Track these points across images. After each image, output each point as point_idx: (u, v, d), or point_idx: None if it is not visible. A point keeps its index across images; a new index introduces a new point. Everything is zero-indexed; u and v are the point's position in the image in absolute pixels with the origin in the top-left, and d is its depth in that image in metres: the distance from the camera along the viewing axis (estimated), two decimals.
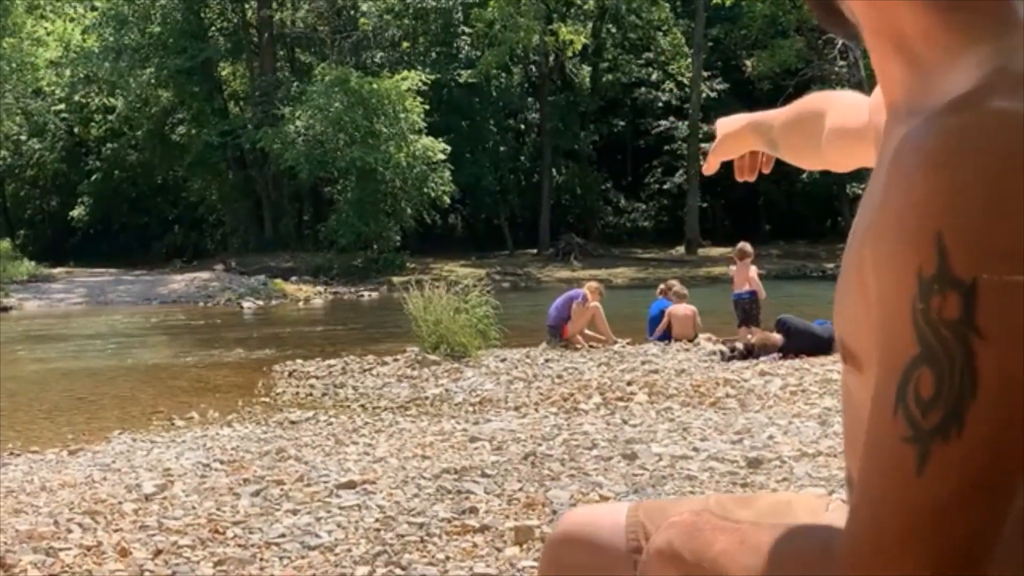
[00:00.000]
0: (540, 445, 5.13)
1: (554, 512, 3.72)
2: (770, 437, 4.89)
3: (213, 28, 31.25)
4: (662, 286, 11.38)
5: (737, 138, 1.45)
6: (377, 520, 3.73)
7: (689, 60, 31.19)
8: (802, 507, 1.16)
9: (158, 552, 3.46)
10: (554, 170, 32.40)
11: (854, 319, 0.78)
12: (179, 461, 5.28)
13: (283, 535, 3.61)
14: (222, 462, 5.14)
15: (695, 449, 4.70)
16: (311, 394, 8.14)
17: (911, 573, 0.65)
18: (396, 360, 9.26)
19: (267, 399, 8.04)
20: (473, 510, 3.80)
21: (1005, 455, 0.65)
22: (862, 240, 0.75)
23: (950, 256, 0.65)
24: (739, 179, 1.53)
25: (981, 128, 0.67)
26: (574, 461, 4.62)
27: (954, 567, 0.65)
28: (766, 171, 1.51)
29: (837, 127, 1.25)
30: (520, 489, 4.10)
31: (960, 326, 0.65)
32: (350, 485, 4.27)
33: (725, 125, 1.47)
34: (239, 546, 3.55)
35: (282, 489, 4.34)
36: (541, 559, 1.25)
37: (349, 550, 3.42)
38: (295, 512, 3.93)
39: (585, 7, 31.68)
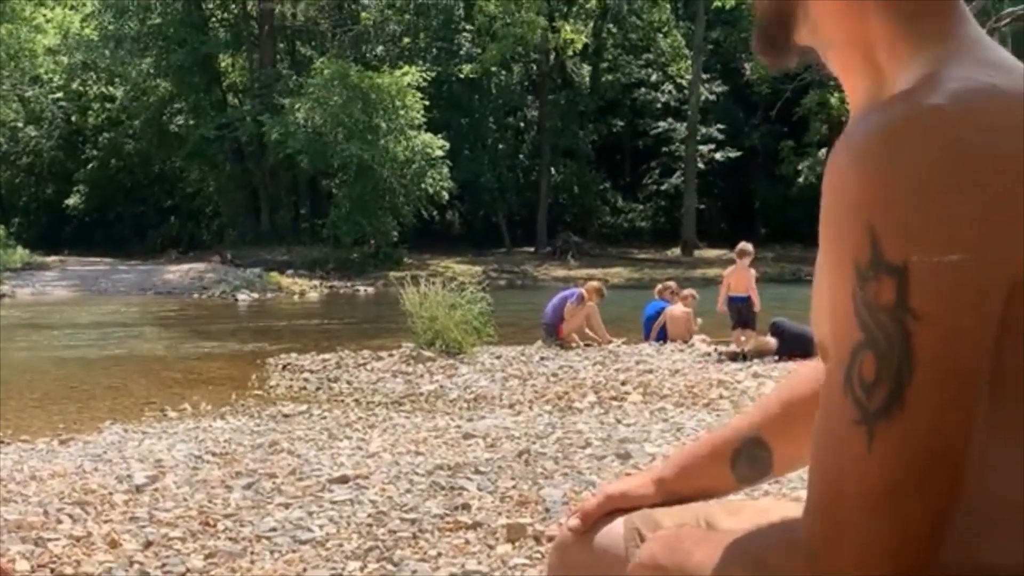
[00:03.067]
0: (534, 443, 5.11)
1: (547, 510, 3.70)
2: None
3: (213, 19, 31.18)
4: (659, 286, 11.38)
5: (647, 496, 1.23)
6: (369, 515, 3.71)
7: (689, 62, 31.19)
8: (784, 513, 1.16)
9: (148, 544, 3.44)
10: (552, 169, 32.38)
11: (823, 318, 0.80)
12: (171, 453, 5.25)
13: (274, 529, 3.59)
14: (214, 454, 5.12)
15: None
16: (305, 388, 8.12)
17: (872, 549, 0.67)
18: (391, 355, 9.24)
19: (260, 392, 8.02)
20: (466, 507, 3.79)
21: (951, 432, 0.67)
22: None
23: (881, 243, 0.68)
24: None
25: (905, 122, 0.71)
26: (568, 460, 4.60)
27: (913, 541, 0.68)
28: None
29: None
30: (513, 487, 4.08)
31: (895, 309, 0.68)
32: (343, 480, 4.25)
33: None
34: (230, 539, 3.53)
35: (274, 482, 4.31)
36: (548, 559, 1.24)
37: (341, 545, 3.40)
38: (287, 506, 3.90)
39: (587, 6, 31.67)
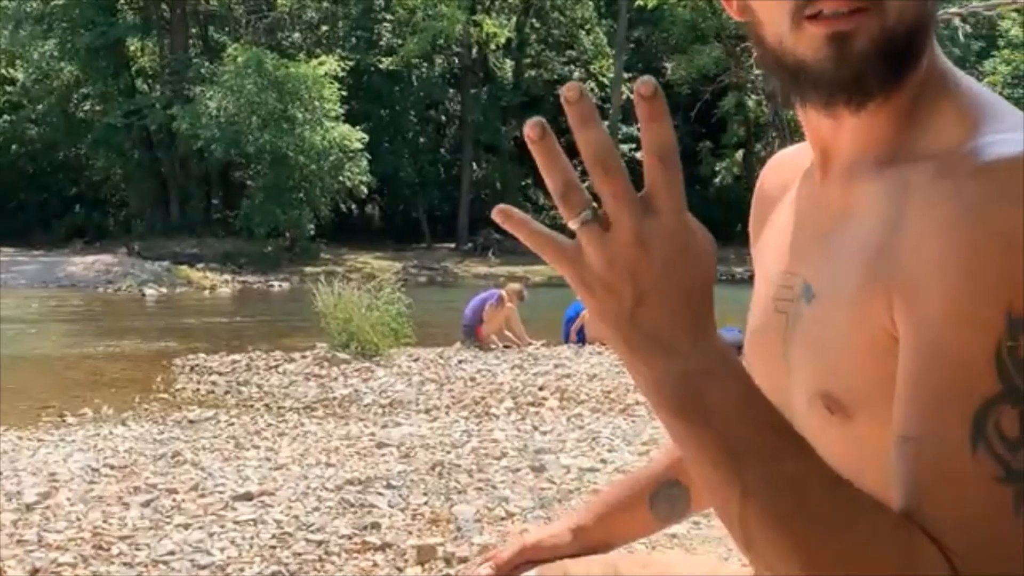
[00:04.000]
0: (449, 453, 5.01)
1: (459, 529, 3.60)
2: None
3: (122, 1, 30.18)
4: None
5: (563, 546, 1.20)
6: (274, 536, 3.56)
7: (611, 60, 31.39)
8: (695, 569, 1.18)
9: (35, 571, 3.23)
10: (474, 164, 32.25)
11: (848, 369, 0.77)
12: (67, 464, 4.99)
13: (172, 552, 3.41)
14: (113, 467, 4.88)
15: (603, 461, 4.65)
16: (213, 391, 7.86)
17: None
18: (304, 357, 9.02)
19: (166, 395, 7.73)
20: (375, 525, 3.66)
21: None
22: (876, 288, 0.73)
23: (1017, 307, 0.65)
24: None
25: None
26: (482, 472, 4.51)
27: None
28: None
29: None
30: (425, 503, 3.97)
31: None
32: (247, 497, 4.07)
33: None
34: (124, 564, 3.35)
35: (175, 499, 4.12)
36: None
37: (242, 570, 3.24)
38: (187, 526, 3.72)
39: (509, 1, 31.59)
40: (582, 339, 10.18)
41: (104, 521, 3.82)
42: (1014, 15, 28.29)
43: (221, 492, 4.18)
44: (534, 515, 3.78)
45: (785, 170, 1.00)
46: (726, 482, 0.65)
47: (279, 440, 5.62)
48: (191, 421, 6.44)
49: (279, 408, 7.05)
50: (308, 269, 22.77)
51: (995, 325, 0.65)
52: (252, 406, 7.19)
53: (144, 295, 18.92)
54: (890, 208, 0.74)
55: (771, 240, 0.95)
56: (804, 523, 0.65)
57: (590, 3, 31.48)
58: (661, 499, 1.16)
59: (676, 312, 0.63)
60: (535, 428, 5.78)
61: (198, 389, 7.97)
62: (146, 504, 4.04)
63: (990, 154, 0.68)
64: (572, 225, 0.65)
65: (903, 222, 0.72)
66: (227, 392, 7.80)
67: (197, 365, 8.99)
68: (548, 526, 1.23)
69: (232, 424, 6.26)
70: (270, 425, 6.18)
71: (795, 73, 0.77)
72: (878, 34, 0.74)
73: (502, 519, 3.72)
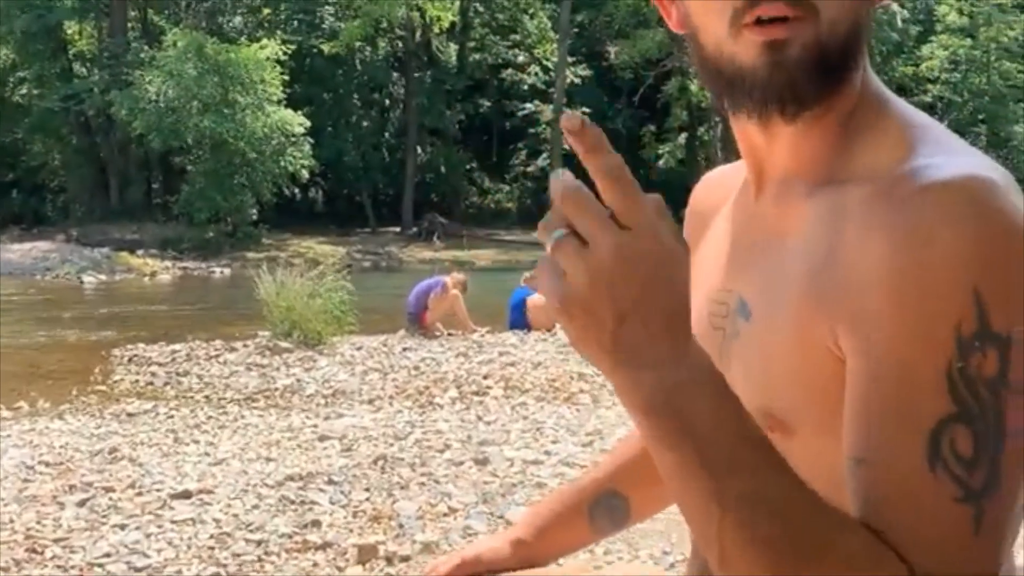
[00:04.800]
0: (392, 446, 4.99)
1: (400, 527, 3.60)
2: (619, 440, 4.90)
3: None
4: (526, 275, 11.33)
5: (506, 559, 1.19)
6: (212, 536, 3.52)
7: (555, 45, 31.37)
8: None
9: None
10: (419, 148, 32.06)
11: (788, 388, 0.77)
12: (0, 461, 4.89)
13: (108, 554, 3.36)
14: (48, 464, 4.79)
15: (547, 453, 4.67)
16: (152, 383, 7.73)
17: None
18: (246, 346, 8.91)
19: (104, 387, 7.60)
20: (316, 523, 3.64)
21: (1018, 497, 0.69)
22: (819, 311, 0.73)
23: (989, 311, 0.65)
24: None
25: (992, 184, 0.68)
26: (425, 466, 4.50)
27: None
28: None
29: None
30: (367, 499, 3.95)
31: (996, 383, 0.66)
32: (185, 495, 4.02)
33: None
34: (58, 567, 3.29)
35: (111, 498, 4.05)
36: None
37: (179, 572, 3.21)
38: (123, 527, 3.67)
39: None
40: (526, 324, 10.20)
41: (38, 522, 3.75)
42: (951, 1, 28.87)
43: (159, 490, 4.13)
44: (476, 510, 3.79)
45: (717, 189, 1.01)
46: (704, 498, 0.64)
47: (219, 433, 5.56)
48: (129, 414, 6.33)
49: (219, 399, 6.97)
50: (250, 255, 22.46)
51: (945, 345, 0.66)
52: (192, 398, 7.09)
53: (83, 282, 18.52)
54: (828, 231, 0.75)
55: (705, 257, 0.95)
56: (784, 543, 0.64)
57: None
58: (601, 510, 1.16)
59: (657, 327, 0.63)
60: (479, 418, 5.79)
61: (137, 380, 7.84)
62: (82, 503, 3.97)
63: (929, 176, 0.69)
64: (546, 241, 0.64)
65: (842, 246, 0.73)
66: (166, 383, 7.68)
67: (136, 355, 8.84)
68: (487, 539, 1.23)
69: (171, 417, 6.18)
70: (210, 418, 6.11)
71: (732, 81, 0.78)
72: (812, 43, 0.75)
73: (444, 515, 3.73)
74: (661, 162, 30.24)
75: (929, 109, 34.63)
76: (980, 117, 29.66)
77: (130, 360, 8.68)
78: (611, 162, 0.62)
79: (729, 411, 0.65)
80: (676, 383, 0.63)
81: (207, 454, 4.96)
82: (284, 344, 8.67)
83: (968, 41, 28.83)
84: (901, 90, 32.76)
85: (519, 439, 5.02)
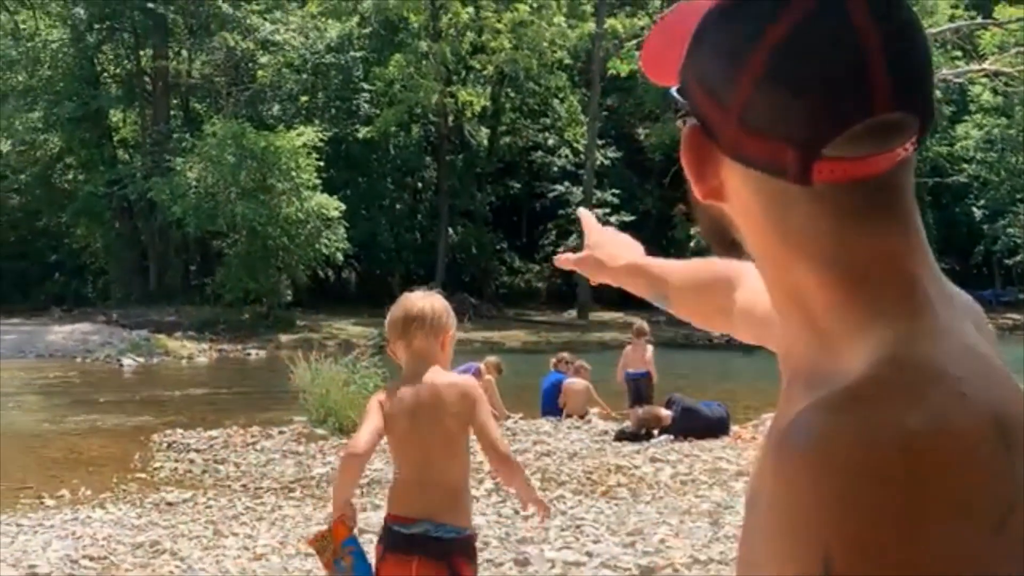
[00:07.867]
0: None
1: None
2: (662, 541, 4.89)
3: (105, 74, 30.46)
4: (555, 358, 11.42)
5: (612, 274, 1.41)
6: None
7: (584, 128, 31.89)
8: None
9: None
10: (450, 229, 32.49)
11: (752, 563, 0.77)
12: (46, 553, 4.97)
13: None
14: (92, 557, 4.87)
15: (588, 554, 4.66)
16: (190, 471, 7.82)
17: None
18: (282, 432, 9.00)
19: (143, 475, 7.69)
20: None
21: None
22: (751, 509, 0.74)
23: (835, 568, 0.64)
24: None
25: (865, 435, 0.65)
26: None
27: None
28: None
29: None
30: None
31: None
32: None
33: (600, 247, 1.43)
34: None
35: None
36: None
37: None
38: None
39: (484, 72, 32.13)
40: (559, 412, 10.21)
41: None
42: (984, 80, 29.09)
43: None
44: None
45: None
46: None
47: (257, 525, 5.61)
48: (169, 503, 6.41)
49: (256, 489, 7.02)
50: (284, 337, 22.73)
51: None
52: (230, 486, 7.15)
53: (122, 365, 18.80)
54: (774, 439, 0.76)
55: None
56: None
57: (563, 73, 32.05)
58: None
59: None
60: (516, 512, 5.78)
61: (176, 468, 7.93)
62: None
63: (818, 423, 0.68)
64: None
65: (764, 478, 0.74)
66: (204, 471, 7.76)
67: (175, 442, 8.95)
68: (616, 248, 1.41)
69: (210, 507, 6.24)
70: (248, 508, 6.16)
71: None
72: None
73: None
74: (692, 243, 30.36)
75: (965, 188, 34.50)
76: (1018, 196, 29.56)
77: (169, 446, 8.79)
78: None
79: None
80: None
81: (246, 547, 5.01)
82: (320, 431, 8.76)
83: (1003, 120, 28.89)
84: (936, 170, 32.80)
85: (558, 537, 5.02)
